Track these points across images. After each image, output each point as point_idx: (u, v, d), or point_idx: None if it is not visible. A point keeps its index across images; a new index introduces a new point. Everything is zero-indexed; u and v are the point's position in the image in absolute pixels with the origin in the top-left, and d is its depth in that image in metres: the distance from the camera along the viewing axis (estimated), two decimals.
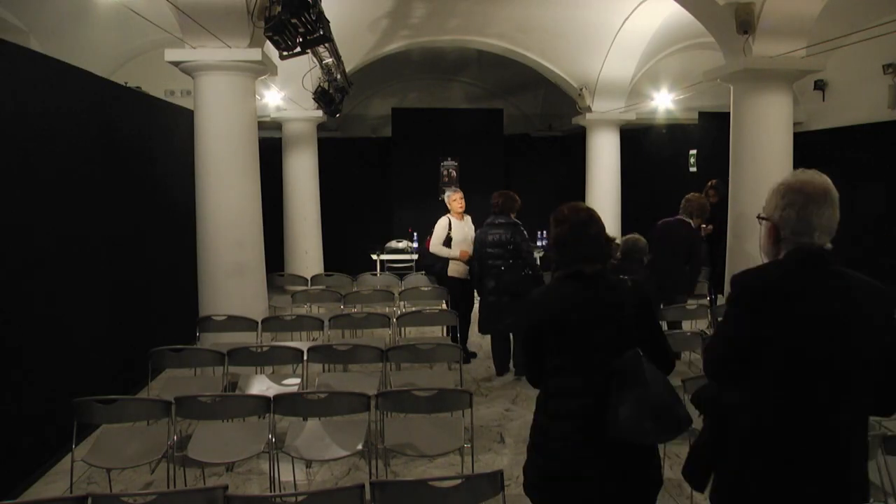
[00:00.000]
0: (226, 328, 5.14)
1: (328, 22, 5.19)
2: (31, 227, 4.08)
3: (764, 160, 5.93)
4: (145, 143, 5.98)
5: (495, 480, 2.51)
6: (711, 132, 9.44)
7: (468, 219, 6.49)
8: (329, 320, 5.38)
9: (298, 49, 5.05)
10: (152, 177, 6.07)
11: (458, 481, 2.47)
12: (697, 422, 2.13)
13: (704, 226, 7.16)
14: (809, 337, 1.75)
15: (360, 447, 3.43)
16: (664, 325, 5.70)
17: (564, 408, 2.20)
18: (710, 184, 7.58)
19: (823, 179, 1.86)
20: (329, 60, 6.82)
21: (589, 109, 10.01)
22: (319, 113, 8.96)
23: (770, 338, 1.76)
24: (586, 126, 10.31)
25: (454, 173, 12.06)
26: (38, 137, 4.19)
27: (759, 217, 1.94)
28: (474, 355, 6.56)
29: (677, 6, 6.51)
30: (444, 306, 6.33)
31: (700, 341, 4.45)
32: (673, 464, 4.14)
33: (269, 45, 5.20)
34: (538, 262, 7.46)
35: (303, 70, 7.07)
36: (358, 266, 9.22)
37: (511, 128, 12.90)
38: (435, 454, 3.55)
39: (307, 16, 4.67)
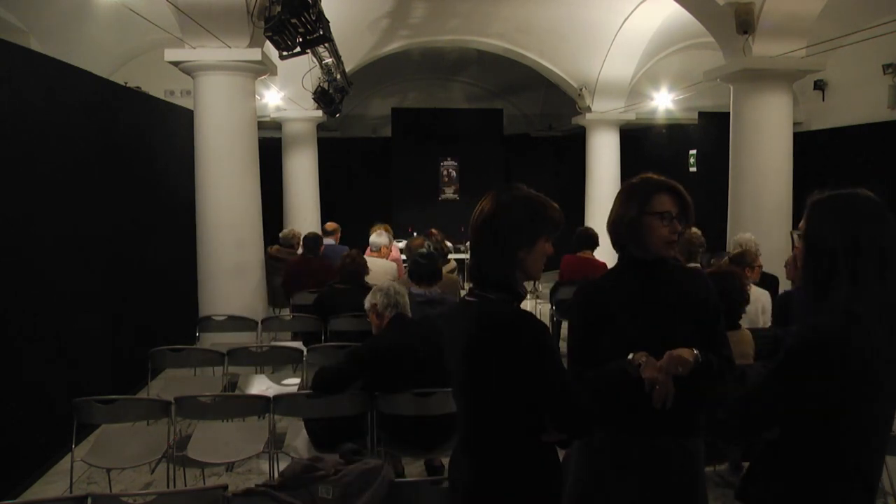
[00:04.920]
0: (226, 328, 5.14)
1: (328, 22, 5.19)
2: (31, 228, 4.08)
3: (764, 160, 5.94)
4: (145, 143, 5.97)
5: None
6: (711, 132, 9.43)
7: None
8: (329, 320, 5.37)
9: (298, 49, 5.05)
10: (152, 177, 6.07)
11: None
12: None
13: None
14: None
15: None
16: None
17: None
18: None
19: None
20: (329, 60, 6.82)
21: (589, 109, 10.01)
22: (319, 113, 8.95)
23: None
24: (586, 126, 10.31)
25: (454, 173, 12.07)
26: (37, 138, 4.19)
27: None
28: None
29: (677, 6, 6.51)
30: None
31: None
32: None
33: (269, 45, 5.20)
34: None
35: (303, 70, 7.07)
36: None
37: (511, 128, 12.89)
38: (436, 454, 3.54)
39: (307, 16, 4.68)
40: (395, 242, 6.79)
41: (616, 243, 2.09)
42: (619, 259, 2.13)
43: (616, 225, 2.07)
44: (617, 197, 2.10)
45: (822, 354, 1.56)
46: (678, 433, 2.00)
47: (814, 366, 1.57)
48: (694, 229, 5.27)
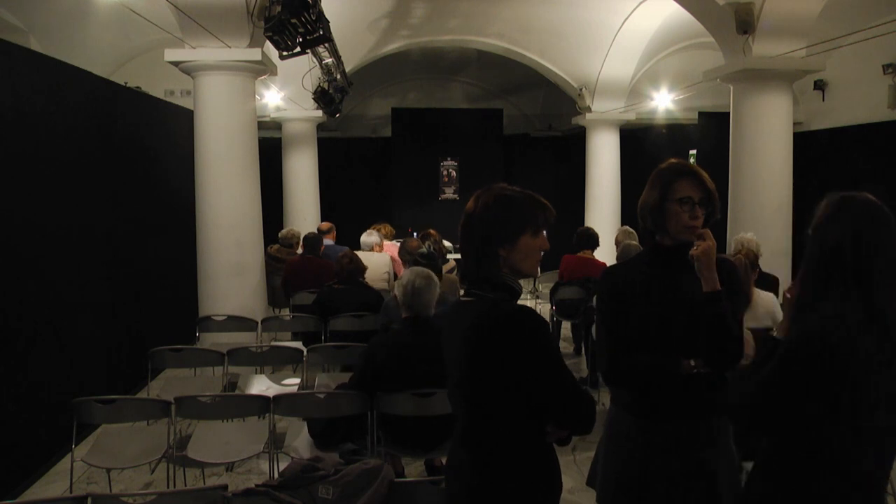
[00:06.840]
0: (225, 328, 5.14)
1: (328, 22, 5.19)
2: (30, 228, 4.08)
3: (764, 160, 5.93)
4: (145, 143, 5.98)
5: None
6: (711, 132, 9.43)
7: None
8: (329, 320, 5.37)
9: (298, 49, 5.05)
10: (152, 177, 6.07)
11: None
12: None
13: None
14: None
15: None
16: None
17: None
18: None
19: None
20: (329, 60, 6.82)
21: (589, 109, 10.00)
22: (319, 113, 8.96)
23: None
24: (586, 126, 10.31)
25: (454, 173, 12.07)
26: (37, 138, 4.19)
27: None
28: None
29: (677, 6, 6.51)
30: None
31: None
32: None
33: (269, 45, 5.20)
34: None
35: (303, 70, 7.08)
36: None
37: (511, 128, 12.89)
38: (436, 454, 3.54)
39: (307, 16, 4.68)
40: (391, 242, 6.80)
41: (644, 229, 2.14)
42: (646, 244, 2.20)
43: (642, 211, 2.11)
44: (647, 183, 2.13)
45: (810, 354, 1.59)
46: (703, 414, 2.05)
47: (801, 365, 1.60)
48: None
